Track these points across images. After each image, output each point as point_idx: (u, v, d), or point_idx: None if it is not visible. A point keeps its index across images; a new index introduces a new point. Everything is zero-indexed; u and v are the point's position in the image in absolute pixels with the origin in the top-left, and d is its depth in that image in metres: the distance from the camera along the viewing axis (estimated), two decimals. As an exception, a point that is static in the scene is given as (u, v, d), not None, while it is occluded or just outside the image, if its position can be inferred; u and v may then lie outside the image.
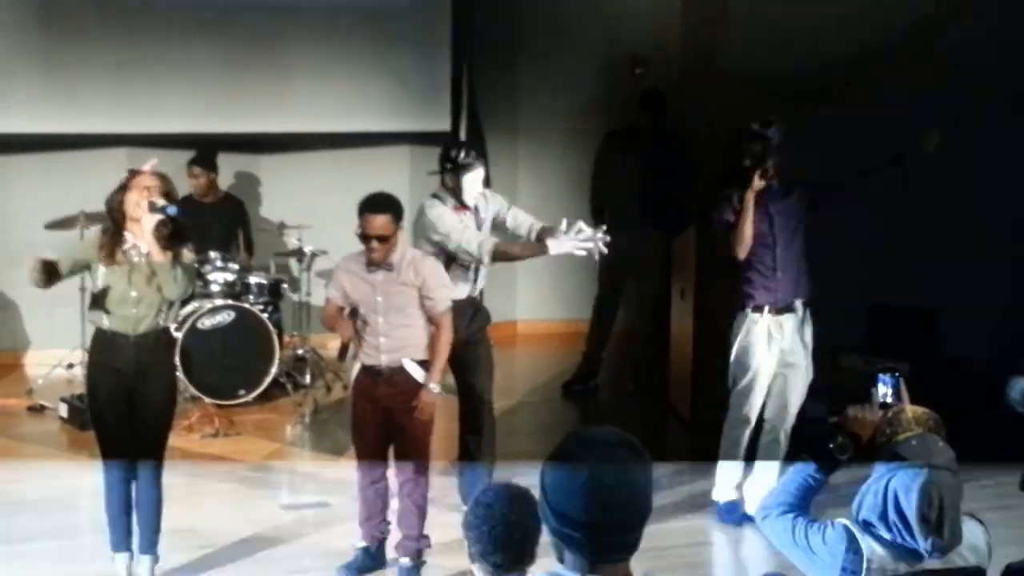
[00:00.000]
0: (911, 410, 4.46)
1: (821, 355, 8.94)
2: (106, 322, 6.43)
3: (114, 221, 6.38)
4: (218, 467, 8.66)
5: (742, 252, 7.54)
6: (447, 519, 7.08)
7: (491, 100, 11.91)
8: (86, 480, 8.06)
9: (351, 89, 11.21)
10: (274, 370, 9.89)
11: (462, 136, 11.35)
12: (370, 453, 6.97)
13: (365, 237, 6.77)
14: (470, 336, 7.73)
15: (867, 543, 4.22)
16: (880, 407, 4.50)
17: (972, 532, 4.33)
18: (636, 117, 10.73)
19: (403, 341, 6.86)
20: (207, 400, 9.63)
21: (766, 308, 7.62)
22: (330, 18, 11.13)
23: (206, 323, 9.73)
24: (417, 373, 6.87)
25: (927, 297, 10.20)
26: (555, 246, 7.51)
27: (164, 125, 10.71)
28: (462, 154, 7.72)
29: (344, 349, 7.07)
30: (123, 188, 6.38)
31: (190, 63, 10.74)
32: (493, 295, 11.89)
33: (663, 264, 10.34)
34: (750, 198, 7.50)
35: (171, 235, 6.39)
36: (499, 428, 8.19)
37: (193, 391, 9.64)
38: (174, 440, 8.93)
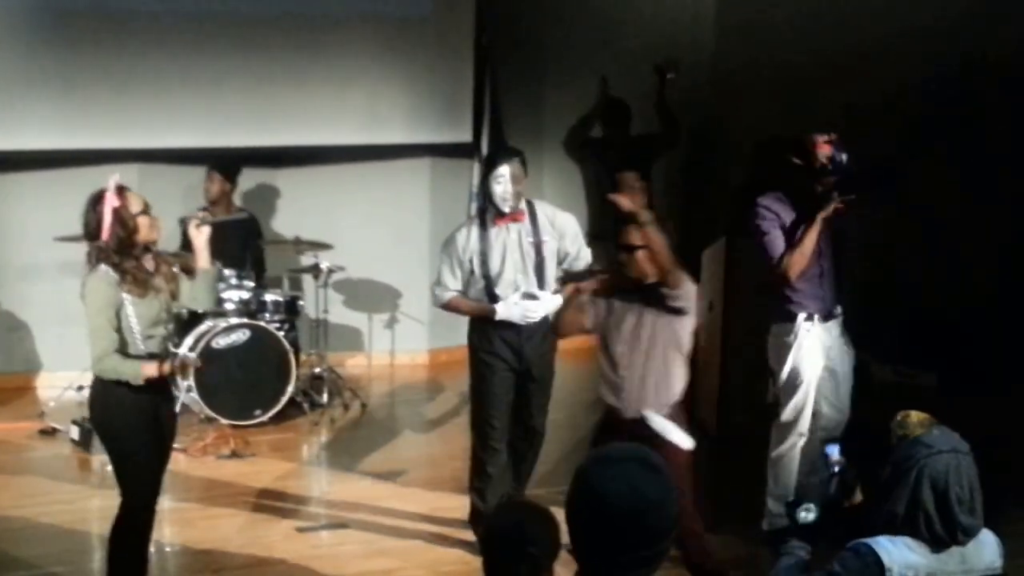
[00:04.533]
0: (915, 414, 4.57)
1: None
2: (142, 347, 6.14)
3: (134, 257, 6.10)
4: (233, 489, 8.54)
5: (796, 273, 7.27)
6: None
7: (514, 111, 11.77)
8: (95, 504, 8.00)
9: (372, 101, 11.07)
10: (291, 390, 9.70)
11: (484, 147, 11.19)
12: None
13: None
14: (531, 361, 7.50)
15: (896, 551, 4.11)
16: (835, 475, 4.61)
17: (988, 537, 4.29)
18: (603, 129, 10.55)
19: None
20: (222, 421, 9.47)
21: (816, 317, 7.40)
22: (350, 29, 11.01)
23: (221, 342, 9.54)
24: None
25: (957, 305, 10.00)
26: (502, 311, 7.29)
27: (177, 140, 10.58)
28: (491, 155, 7.71)
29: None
30: (127, 216, 6.07)
31: (205, 76, 10.60)
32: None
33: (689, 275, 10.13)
34: (817, 224, 7.18)
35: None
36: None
37: (208, 412, 9.46)
38: (189, 462, 8.94)
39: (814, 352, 7.39)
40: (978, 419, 6.98)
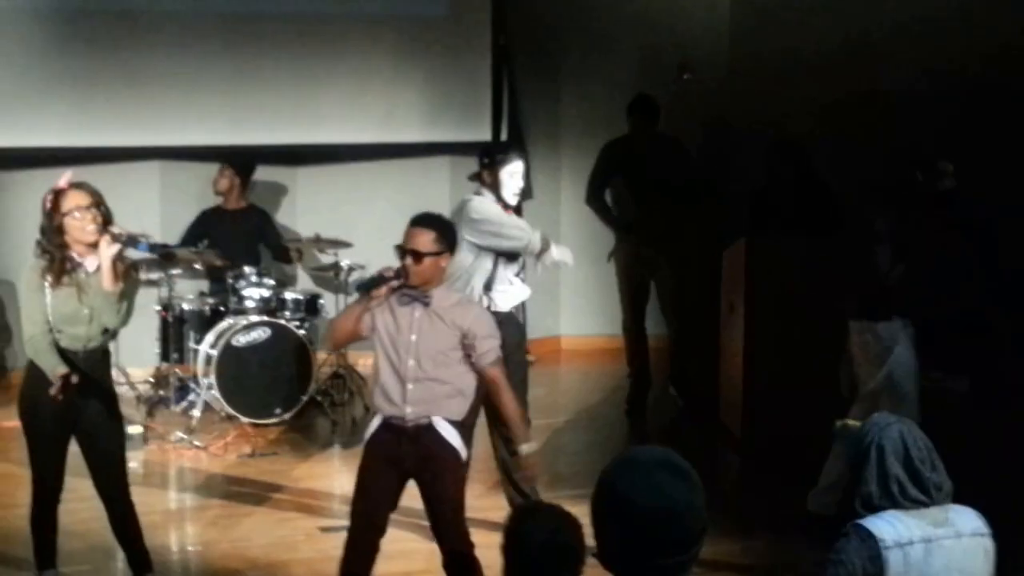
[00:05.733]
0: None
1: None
2: (51, 338, 6.32)
3: (58, 246, 6.26)
4: (255, 487, 8.53)
5: None
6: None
7: (532, 108, 11.81)
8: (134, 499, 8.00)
9: (388, 99, 11.10)
10: (311, 388, 9.69)
11: (502, 146, 11.22)
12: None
13: (402, 251, 6.08)
14: (507, 349, 7.47)
15: (886, 525, 4.19)
16: None
17: (970, 509, 4.38)
18: (629, 125, 10.47)
19: (432, 393, 6.12)
20: (243, 419, 9.48)
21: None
22: (369, 28, 11.06)
23: (241, 340, 9.56)
24: (450, 434, 6.12)
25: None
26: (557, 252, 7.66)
27: (198, 138, 10.64)
28: (499, 148, 7.71)
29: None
30: (56, 212, 6.24)
31: (225, 75, 10.68)
32: (536, 311, 11.73)
33: (701, 277, 10.10)
34: None
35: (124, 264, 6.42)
36: (542, 448, 7.93)
37: (229, 410, 9.47)
38: (210, 461, 8.98)
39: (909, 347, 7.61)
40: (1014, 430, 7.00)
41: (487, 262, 7.42)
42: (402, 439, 6.04)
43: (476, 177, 7.74)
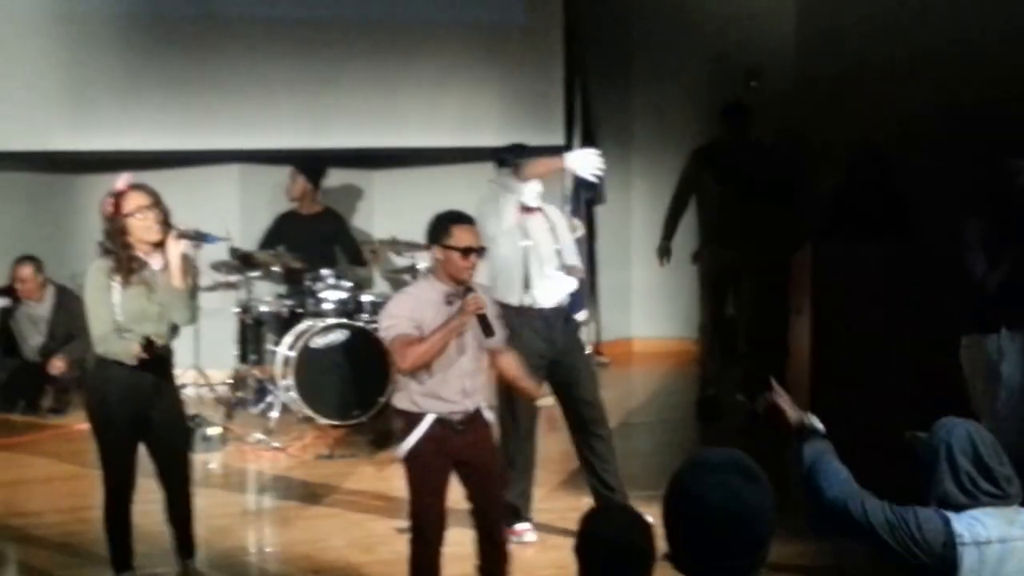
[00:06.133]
0: None
1: (944, 371, 8.77)
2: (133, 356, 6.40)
3: (123, 246, 6.38)
4: (332, 489, 8.60)
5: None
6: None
7: (604, 113, 11.89)
8: (198, 502, 8.11)
9: (464, 104, 11.23)
10: (389, 390, 9.80)
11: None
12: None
13: (463, 251, 6.11)
14: (565, 345, 7.58)
15: (965, 521, 4.22)
16: None
17: None
18: (721, 132, 10.52)
19: (479, 383, 6.27)
20: (321, 421, 9.61)
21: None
22: (444, 34, 11.18)
23: (319, 342, 9.68)
24: (489, 416, 6.39)
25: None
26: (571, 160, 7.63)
27: (277, 141, 10.82)
28: (516, 151, 7.64)
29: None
30: (118, 214, 6.37)
31: (306, 81, 10.83)
32: (608, 314, 11.83)
33: (777, 281, 10.15)
34: None
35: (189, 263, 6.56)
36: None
37: (307, 411, 9.61)
38: (288, 461, 9.09)
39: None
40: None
41: (519, 258, 7.45)
42: (455, 432, 6.15)
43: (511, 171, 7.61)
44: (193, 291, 6.57)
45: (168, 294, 6.40)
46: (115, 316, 6.35)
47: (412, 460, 6.19)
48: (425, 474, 6.19)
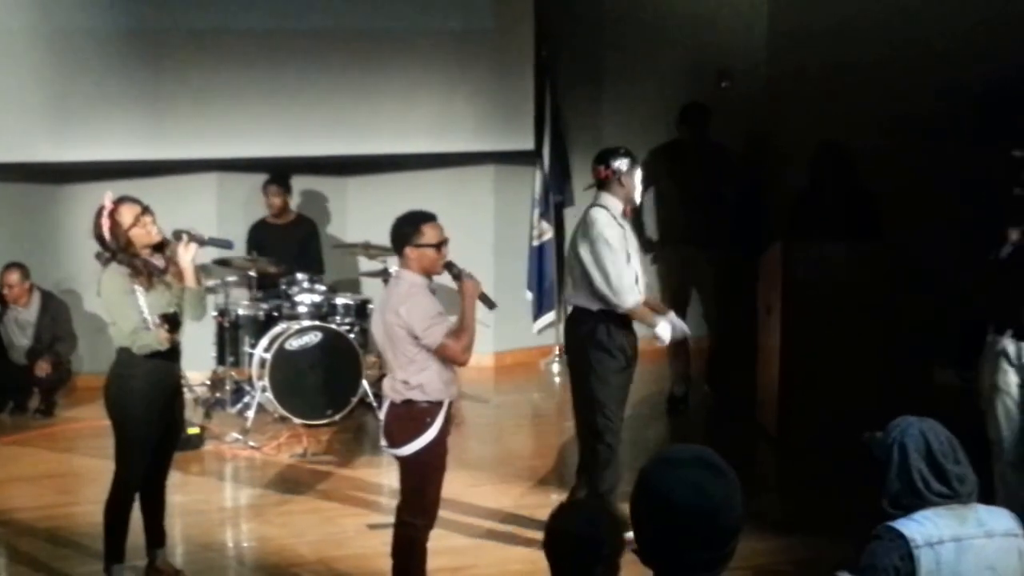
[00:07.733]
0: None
1: (911, 370, 8.90)
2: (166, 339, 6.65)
3: (134, 256, 6.63)
4: (307, 486, 8.70)
5: None
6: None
7: (574, 116, 11.95)
8: (191, 497, 8.32)
9: (436, 110, 11.30)
10: (361, 390, 9.96)
11: (546, 154, 11.44)
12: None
13: (436, 247, 6.41)
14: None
15: (915, 525, 4.19)
16: None
17: (1004, 510, 4.40)
18: (679, 132, 10.66)
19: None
20: (295, 420, 9.73)
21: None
22: (415, 41, 11.24)
23: (293, 344, 9.82)
24: None
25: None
26: (664, 331, 7.50)
27: (254, 149, 10.91)
28: (624, 153, 7.53)
29: None
30: (118, 230, 6.60)
31: (280, 90, 10.90)
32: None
33: (741, 279, 10.27)
34: None
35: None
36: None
37: (281, 411, 9.73)
38: (263, 460, 9.23)
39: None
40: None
41: None
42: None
43: (601, 185, 7.49)
44: (204, 290, 6.99)
45: (183, 294, 6.74)
46: (144, 315, 6.58)
47: (432, 449, 6.41)
48: (441, 462, 6.48)
